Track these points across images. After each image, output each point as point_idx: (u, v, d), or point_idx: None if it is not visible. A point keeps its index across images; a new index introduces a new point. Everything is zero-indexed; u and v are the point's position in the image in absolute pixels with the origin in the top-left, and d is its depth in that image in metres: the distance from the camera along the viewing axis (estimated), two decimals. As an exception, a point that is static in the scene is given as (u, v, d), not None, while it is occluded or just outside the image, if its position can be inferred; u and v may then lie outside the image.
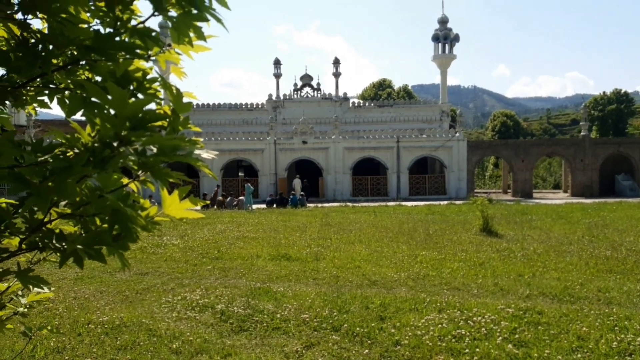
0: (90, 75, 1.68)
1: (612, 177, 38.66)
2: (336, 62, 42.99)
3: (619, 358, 4.96)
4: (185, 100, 1.46)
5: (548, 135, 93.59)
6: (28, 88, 1.71)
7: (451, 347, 5.31)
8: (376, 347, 5.40)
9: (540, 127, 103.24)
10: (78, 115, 1.73)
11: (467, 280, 8.54)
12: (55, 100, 1.77)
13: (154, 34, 1.49)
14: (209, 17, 1.49)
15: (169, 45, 1.67)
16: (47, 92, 1.76)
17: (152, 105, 1.55)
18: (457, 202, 26.70)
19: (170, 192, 1.52)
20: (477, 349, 5.23)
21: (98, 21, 1.63)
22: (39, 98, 1.80)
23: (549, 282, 8.33)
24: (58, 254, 1.54)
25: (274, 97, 42.42)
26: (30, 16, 1.55)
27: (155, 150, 1.38)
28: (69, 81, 1.69)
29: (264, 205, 28.81)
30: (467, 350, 5.22)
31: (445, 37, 41.27)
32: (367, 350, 5.29)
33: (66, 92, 1.72)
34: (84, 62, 1.62)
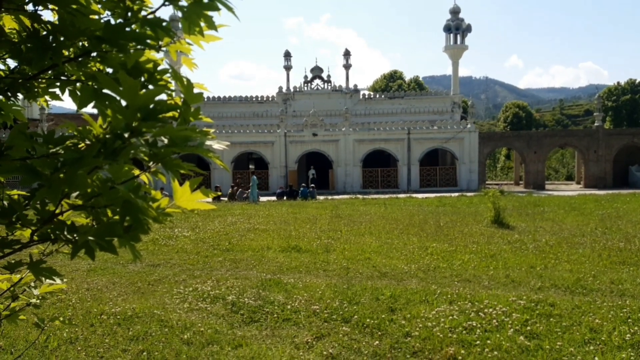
0: (101, 67, 1.68)
1: (626, 168, 38.20)
2: (347, 54, 42.79)
3: (632, 350, 4.91)
4: (195, 91, 1.45)
5: (561, 126, 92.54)
6: (39, 80, 1.71)
7: (462, 339, 5.30)
8: (386, 338, 5.40)
9: (553, 118, 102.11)
10: (89, 109, 1.73)
11: (478, 272, 8.50)
12: (66, 92, 1.78)
13: (164, 24, 1.48)
14: (219, 5, 1.47)
15: (179, 36, 1.66)
16: (58, 83, 1.76)
17: (162, 96, 1.54)
18: (468, 194, 26.56)
19: (181, 184, 1.52)
20: (488, 341, 5.21)
21: (109, 12, 1.62)
22: (50, 90, 1.80)
23: (561, 274, 8.27)
24: (70, 245, 1.55)
25: (284, 90, 42.38)
26: (40, 7, 1.55)
27: (166, 141, 1.37)
28: (80, 73, 1.68)
29: (274, 198, 28.88)
30: (478, 342, 5.20)
31: (457, 28, 40.88)
32: (377, 342, 5.29)
33: (77, 84, 1.72)
34: (95, 54, 1.61)
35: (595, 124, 38.70)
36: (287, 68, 42.92)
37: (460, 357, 4.85)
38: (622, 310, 6.11)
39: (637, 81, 74.65)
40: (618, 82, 76.03)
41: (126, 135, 1.28)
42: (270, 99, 42.51)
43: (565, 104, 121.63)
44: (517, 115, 76.07)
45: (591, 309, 6.18)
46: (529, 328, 5.57)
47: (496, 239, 11.92)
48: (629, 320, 5.76)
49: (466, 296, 6.82)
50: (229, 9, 1.50)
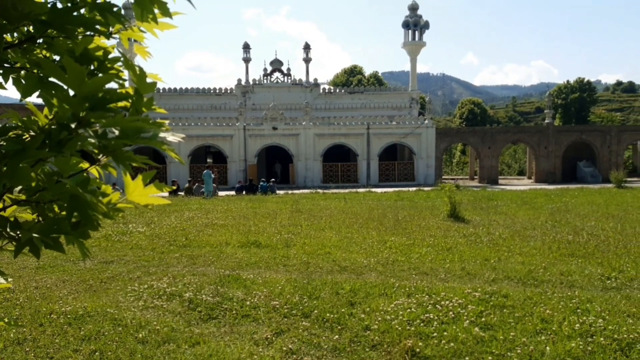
0: (47, 54, 1.58)
1: (575, 163, 39.84)
2: (307, 48, 42.66)
3: (581, 339, 5.12)
4: (149, 80, 1.38)
5: (514, 122, 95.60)
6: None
7: (420, 331, 5.38)
8: (346, 332, 5.42)
9: (506, 115, 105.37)
10: (34, 98, 1.63)
11: (435, 265, 8.66)
12: (10, 80, 1.66)
13: (115, 9, 1.41)
14: (173, -8, 1.41)
15: (132, 23, 1.58)
16: (1, 71, 1.65)
17: (113, 85, 1.46)
18: (426, 189, 27.05)
19: (133, 178, 1.44)
20: (445, 333, 5.31)
21: (54, -5, 1.53)
22: (-8, 78, 1.68)
23: (514, 266, 8.53)
24: (13, 243, 1.45)
25: (243, 82, 41.86)
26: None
27: (117, 132, 1.30)
28: (24, 60, 1.58)
29: (233, 192, 28.55)
30: (435, 334, 5.30)
31: (415, 24, 41.41)
32: (337, 336, 5.31)
33: (22, 72, 1.61)
34: (40, 40, 1.52)
35: (546, 121, 40.13)
36: (246, 60, 42.41)
37: (418, 349, 4.93)
38: (572, 300, 6.36)
39: (585, 80, 77.92)
40: (567, 81, 79.15)
41: (73, 125, 1.20)
42: (229, 91, 41.91)
43: (518, 101, 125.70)
44: (473, 112, 78.00)
45: (542, 300, 6.40)
46: (483, 319, 5.71)
47: (452, 232, 12.18)
48: (578, 310, 6.00)
49: (424, 289, 6.93)
50: (184, -5, 1.44)
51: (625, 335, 5.16)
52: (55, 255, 9.10)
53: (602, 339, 5.10)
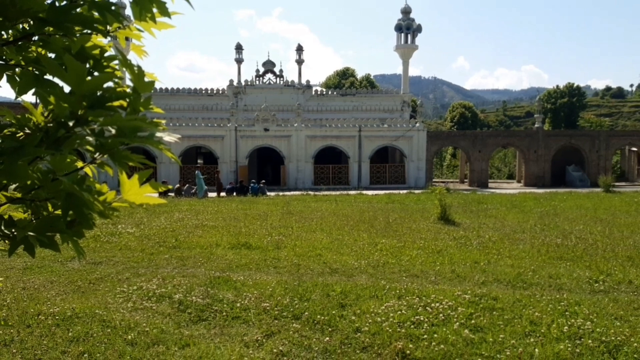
0: (42, 51, 1.57)
1: (563, 168, 40.21)
2: (299, 49, 42.70)
3: (569, 342, 5.16)
4: (146, 80, 1.38)
5: (504, 126, 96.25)
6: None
7: (410, 333, 5.40)
8: (337, 334, 5.43)
9: (497, 119, 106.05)
10: (27, 96, 1.62)
11: (425, 267, 8.70)
12: (4, 77, 1.65)
13: (113, 7, 1.40)
14: (172, -8, 1.41)
15: (129, 22, 1.57)
16: (-5, 68, 1.64)
17: (109, 84, 1.46)
18: (416, 191, 27.15)
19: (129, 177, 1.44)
20: (435, 335, 5.33)
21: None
22: (-14, 75, 1.67)
23: (503, 268, 8.59)
24: (6, 241, 1.44)
25: (235, 83, 41.79)
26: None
27: (113, 131, 1.30)
28: (20, 57, 1.57)
29: (223, 194, 28.46)
30: (425, 336, 5.32)
31: (407, 28, 41.62)
32: (327, 338, 5.31)
33: (17, 69, 1.60)
34: (36, 38, 1.51)
35: (536, 125, 40.48)
36: (239, 61, 42.35)
37: (408, 352, 4.94)
38: (560, 303, 6.42)
39: (575, 85, 78.70)
40: (557, 86, 79.94)
41: (71, 124, 1.20)
42: (220, 92, 41.81)
43: (508, 106, 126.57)
44: (464, 115, 78.47)
45: (531, 303, 6.45)
46: (473, 321, 5.75)
47: (442, 235, 12.24)
48: (567, 313, 6.05)
49: (414, 291, 6.96)
50: (183, -5, 1.44)
51: (612, 338, 5.22)
52: (43, 256, 9.01)
53: (590, 341, 5.16)
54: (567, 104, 76.02)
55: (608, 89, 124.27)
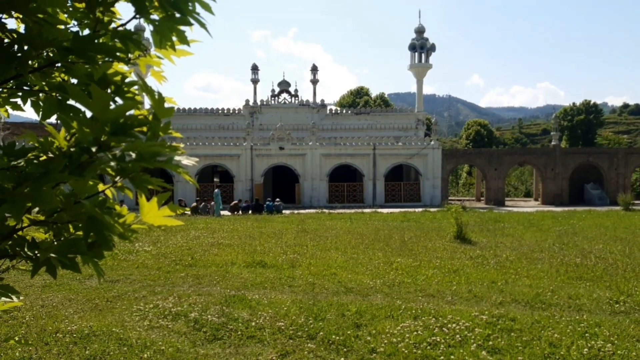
0: (65, 78, 1.63)
1: (582, 186, 39.66)
2: (314, 69, 43.10)
3: (590, 364, 5.05)
4: (166, 105, 1.42)
5: (520, 144, 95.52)
6: (1, 90, 1.65)
7: (426, 354, 5.33)
8: (352, 355, 5.38)
9: (513, 137, 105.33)
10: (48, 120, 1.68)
11: (441, 287, 8.61)
12: (28, 102, 1.72)
13: (135, 36, 1.46)
14: (192, 21, 1.46)
15: (148, 49, 1.63)
16: (20, 94, 1.70)
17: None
18: (432, 210, 26.98)
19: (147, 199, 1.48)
20: (452, 356, 5.26)
21: (75, 22, 1.58)
22: (11, 100, 1.74)
23: (521, 289, 8.46)
24: (29, 262, 1.48)
25: (251, 103, 42.24)
26: (4, 15, 1.50)
27: (134, 155, 1.34)
28: (43, 83, 1.63)
29: (239, 212, 28.57)
30: (442, 357, 5.24)
31: (421, 47, 41.81)
32: (343, 358, 5.26)
33: (40, 95, 1.66)
34: (59, 65, 1.57)
35: (553, 143, 40.10)
36: (255, 81, 42.86)
37: (424, 373, 4.87)
38: (580, 325, 6.29)
39: (591, 102, 77.97)
40: (574, 103, 79.23)
41: (94, 149, 1.24)
42: (236, 111, 42.28)
43: (524, 123, 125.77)
44: (479, 133, 78.06)
45: (550, 324, 6.33)
46: (491, 343, 5.65)
47: (459, 254, 12.12)
48: (587, 334, 5.93)
49: (430, 311, 6.88)
50: (202, 25, 1.49)
51: (635, 361, 5.09)
52: (61, 274, 9.12)
53: (611, 364, 5.04)
54: (584, 121, 75.28)
55: (626, 105, 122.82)
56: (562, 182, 38.51)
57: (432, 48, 42.12)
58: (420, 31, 42.32)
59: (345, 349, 5.52)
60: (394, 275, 9.59)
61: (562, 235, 15.77)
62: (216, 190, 28.42)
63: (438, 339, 5.74)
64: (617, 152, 40.28)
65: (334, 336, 5.87)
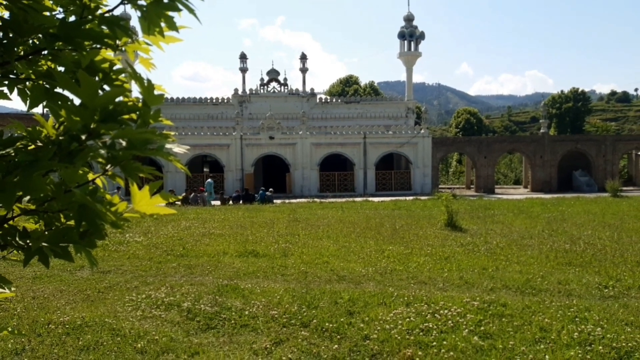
0: (52, 66, 1.60)
1: (570, 173, 39.99)
2: (303, 58, 42.87)
3: (580, 348, 5.13)
4: (156, 93, 1.40)
5: (509, 132, 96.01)
6: (-14, 78, 1.62)
7: (419, 340, 5.38)
8: (345, 341, 5.42)
9: (502, 125, 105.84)
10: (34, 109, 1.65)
11: (433, 274, 8.67)
12: (15, 91, 1.69)
13: (122, 23, 1.43)
14: (180, 7, 1.44)
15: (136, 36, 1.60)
16: (6, 82, 1.67)
17: (119, 98, 1.49)
18: (423, 198, 27.10)
19: (139, 188, 1.46)
20: (444, 342, 5.31)
21: (61, 9, 1.55)
22: (-2, 89, 1.70)
23: (512, 275, 8.55)
24: (20, 252, 1.47)
25: (240, 92, 41.99)
26: (-11, 2, 1.47)
27: (124, 143, 1.32)
28: (30, 71, 1.60)
29: (230, 201, 28.51)
30: (434, 343, 5.30)
31: (411, 35, 41.71)
32: (336, 345, 5.30)
33: (27, 83, 1.63)
34: (46, 52, 1.54)
35: (541, 131, 40.35)
36: (243, 70, 42.57)
37: (417, 359, 4.93)
38: (570, 309, 6.38)
39: (579, 90, 78.48)
40: (562, 91, 79.75)
41: (83, 137, 1.22)
42: (225, 100, 42.01)
43: (513, 111, 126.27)
44: (469, 121, 78.33)
45: (541, 309, 6.42)
46: (482, 328, 5.72)
47: (450, 241, 12.20)
48: (577, 319, 6.01)
49: (422, 298, 6.94)
50: (190, 10, 1.47)
51: (623, 344, 5.18)
52: (52, 265, 9.04)
53: (600, 347, 5.12)
54: (572, 108, 75.80)
55: (613, 93, 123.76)
56: (551, 169, 38.82)
57: (422, 36, 42.03)
58: (409, 19, 42.19)
59: (338, 336, 5.56)
60: (386, 263, 9.64)
61: (552, 222, 15.93)
62: (209, 180, 28.29)
63: (430, 325, 5.80)
64: (604, 139, 40.62)
65: (327, 323, 5.91)
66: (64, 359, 5.02)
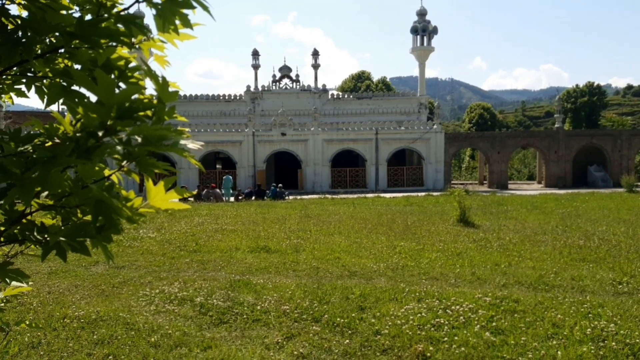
0: (69, 64, 1.64)
1: (585, 168, 39.57)
2: (315, 54, 42.84)
3: (593, 344, 5.10)
4: (171, 89, 1.43)
5: (523, 127, 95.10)
6: (4, 76, 1.66)
7: (430, 336, 5.39)
8: (357, 337, 5.44)
9: (516, 120, 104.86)
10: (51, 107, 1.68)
11: (445, 270, 8.65)
12: (32, 89, 1.72)
13: (138, 21, 1.46)
14: (194, 4, 1.46)
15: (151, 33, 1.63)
16: (24, 80, 1.71)
17: (135, 95, 1.51)
18: (435, 194, 27.00)
19: (154, 183, 1.49)
20: (456, 337, 5.31)
21: (77, 8, 1.58)
22: (16, 87, 1.74)
23: (525, 271, 8.50)
24: (38, 246, 1.51)
25: (252, 89, 42.11)
26: (7, 1, 1.50)
27: (140, 140, 1.35)
28: (47, 69, 1.64)
29: (241, 198, 28.65)
30: (446, 339, 5.30)
31: (423, 30, 41.49)
32: (347, 341, 5.32)
33: (45, 81, 1.67)
34: (63, 50, 1.57)
35: (556, 126, 39.93)
36: (255, 67, 42.68)
37: (429, 354, 4.93)
38: (583, 305, 6.33)
39: (595, 84, 77.47)
40: (577, 85, 78.79)
41: (100, 133, 1.25)
42: (238, 97, 42.17)
43: (527, 106, 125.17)
44: (482, 117, 77.79)
45: (553, 305, 6.38)
46: (494, 324, 5.70)
47: (462, 237, 12.16)
48: (590, 315, 5.97)
49: (434, 294, 6.93)
50: (205, 7, 1.49)
51: (637, 340, 5.13)
52: (67, 260, 9.20)
53: (613, 343, 5.08)
54: (587, 103, 74.86)
55: (629, 87, 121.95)
56: (565, 164, 38.43)
57: (434, 31, 41.78)
58: (422, 14, 41.95)
59: (349, 331, 5.58)
60: (398, 258, 9.64)
61: (565, 218, 15.79)
62: (228, 176, 28.49)
63: (442, 321, 5.79)
64: (620, 133, 40.10)
65: (338, 319, 5.93)
66: (79, 353, 5.10)
